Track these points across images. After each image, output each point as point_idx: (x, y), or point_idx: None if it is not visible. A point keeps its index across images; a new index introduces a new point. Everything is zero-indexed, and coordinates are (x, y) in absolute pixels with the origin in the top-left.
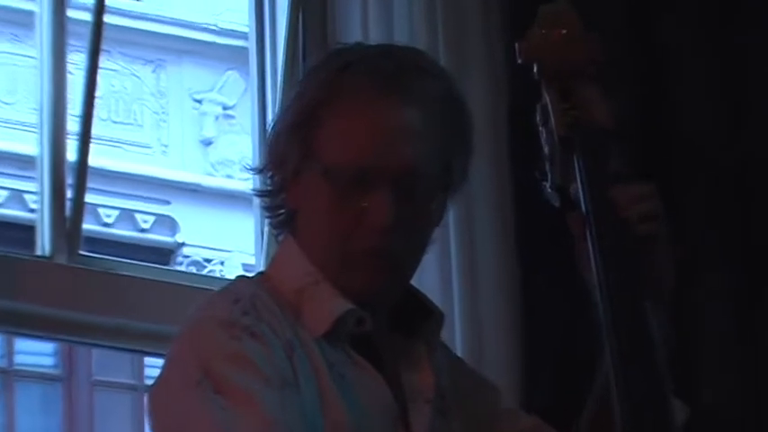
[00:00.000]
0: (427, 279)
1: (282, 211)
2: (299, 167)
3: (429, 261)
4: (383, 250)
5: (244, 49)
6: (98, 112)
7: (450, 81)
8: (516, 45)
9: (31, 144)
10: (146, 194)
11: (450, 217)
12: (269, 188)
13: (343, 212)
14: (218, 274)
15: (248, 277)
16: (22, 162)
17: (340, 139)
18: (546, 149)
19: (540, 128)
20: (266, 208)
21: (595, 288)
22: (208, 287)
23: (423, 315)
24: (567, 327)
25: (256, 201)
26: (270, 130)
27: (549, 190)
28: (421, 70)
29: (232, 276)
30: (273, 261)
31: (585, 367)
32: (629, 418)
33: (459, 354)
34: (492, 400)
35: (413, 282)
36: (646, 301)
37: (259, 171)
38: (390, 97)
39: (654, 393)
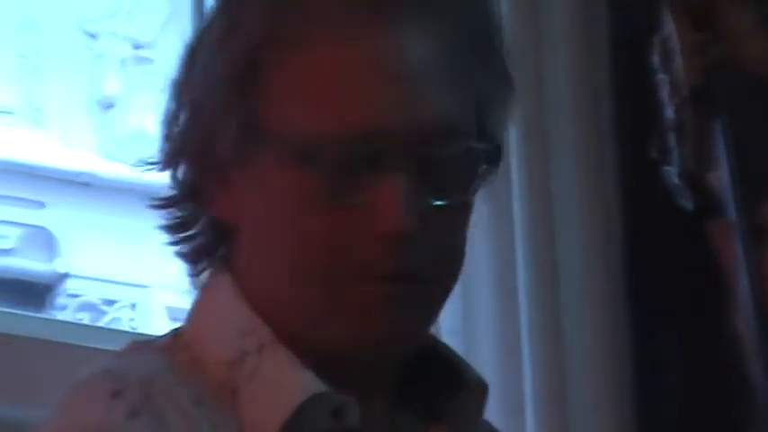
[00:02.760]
0: (481, 335)
1: (195, 231)
2: (241, 152)
3: (482, 305)
4: (401, 269)
5: None
6: None
7: None
8: None
9: None
10: (5, 193)
11: (518, 232)
12: (172, 193)
13: (326, 216)
14: (125, 326)
15: (148, 343)
16: None
17: (307, 98)
18: (670, 112)
19: (661, 75)
20: (168, 227)
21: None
22: (109, 347)
23: (452, 387)
24: (704, 410)
25: None
26: (172, 85)
27: (677, 180)
28: None
29: (151, 329)
30: (193, 314)
31: None
32: None
33: None
34: None
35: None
36: None
37: (153, 163)
38: (387, 20)
39: None
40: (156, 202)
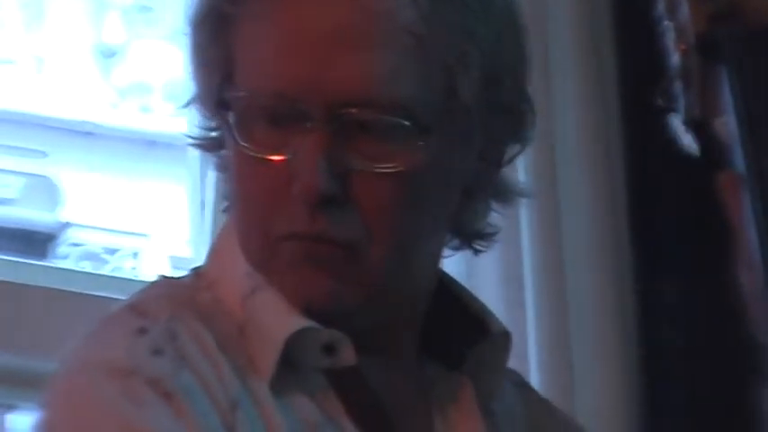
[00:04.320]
0: (485, 280)
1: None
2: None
3: (484, 266)
4: (312, 235)
5: None
6: None
7: None
8: None
9: None
10: (8, 142)
11: (522, 180)
12: (208, 134)
13: (255, 178)
14: (128, 274)
15: (172, 281)
16: None
17: (248, 52)
18: (675, 59)
19: (666, 22)
20: (217, 165)
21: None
22: (111, 295)
23: (475, 336)
24: (719, 372)
25: (192, 151)
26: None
27: (682, 127)
28: None
29: (153, 278)
30: (212, 252)
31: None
32: None
33: None
34: None
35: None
36: None
37: (188, 104)
38: None
39: None
40: (195, 141)
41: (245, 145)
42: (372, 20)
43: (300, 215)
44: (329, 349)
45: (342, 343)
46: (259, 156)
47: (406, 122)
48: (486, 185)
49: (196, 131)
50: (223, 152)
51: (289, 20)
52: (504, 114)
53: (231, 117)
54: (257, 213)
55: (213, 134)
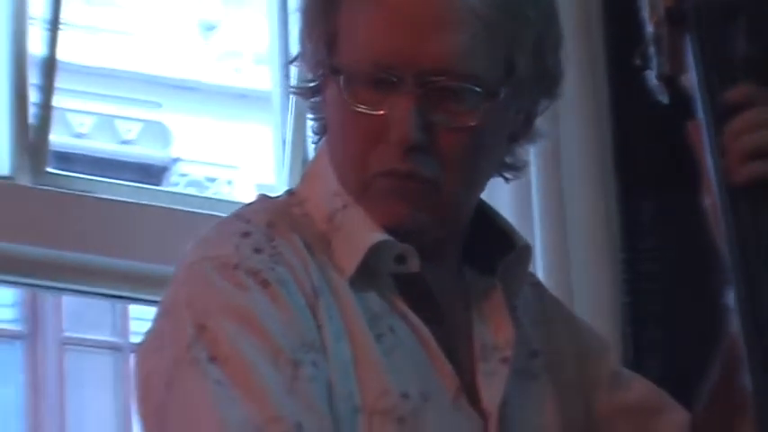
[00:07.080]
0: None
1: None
2: (325, 65)
3: (500, 189)
4: (403, 173)
5: None
6: None
7: None
8: None
9: None
10: (129, 95)
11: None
12: (307, 85)
13: (357, 127)
14: (225, 197)
15: (270, 198)
16: None
17: (353, 29)
18: (650, 27)
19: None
20: (311, 108)
21: (720, 220)
22: (212, 213)
23: (503, 248)
24: (686, 272)
25: (275, 102)
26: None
27: (655, 81)
28: None
29: (243, 200)
30: (305, 177)
31: (705, 323)
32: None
33: None
34: (600, 360)
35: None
36: None
37: (292, 62)
38: None
39: None
40: (296, 89)
41: (352, 102)
42: (451, 7)
43: (394, 157)
44: (400, 259)
45: (411, 254)
46: (362, 111)
47: (478, 89)
48: (526, 133)
49: (296, 83)
50: (317, 98)
51: (389, 6)
52: (546, 80)
53: (341, 80)
54: (356, 154)
55: (310, 85)
